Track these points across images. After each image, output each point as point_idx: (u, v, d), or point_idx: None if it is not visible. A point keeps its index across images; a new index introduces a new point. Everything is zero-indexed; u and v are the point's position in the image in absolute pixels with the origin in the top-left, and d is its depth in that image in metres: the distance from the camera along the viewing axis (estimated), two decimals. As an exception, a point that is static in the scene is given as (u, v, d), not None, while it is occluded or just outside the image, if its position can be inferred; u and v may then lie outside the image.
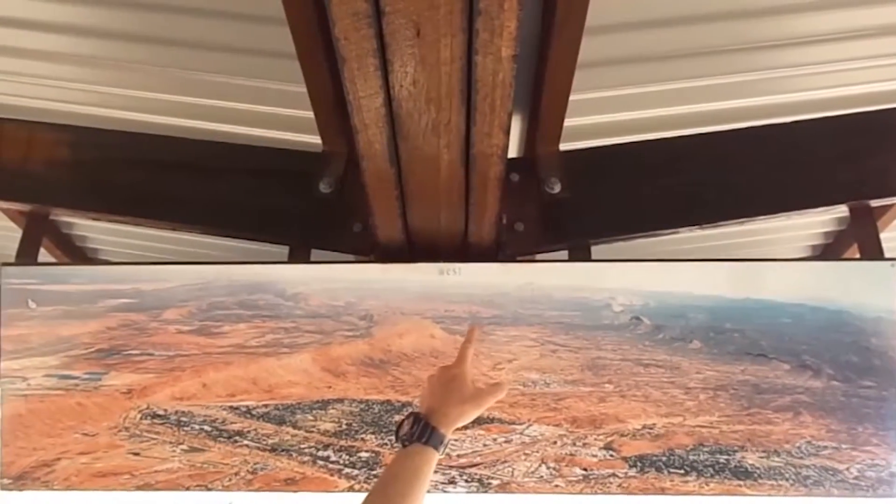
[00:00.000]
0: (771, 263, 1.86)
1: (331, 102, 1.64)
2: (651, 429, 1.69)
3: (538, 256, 1.91)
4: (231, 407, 1.76)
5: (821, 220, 2.28)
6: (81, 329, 1.82)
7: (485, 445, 1.69)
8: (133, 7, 1.59)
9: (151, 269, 1.91)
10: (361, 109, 1.16)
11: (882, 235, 1.86)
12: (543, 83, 1.58)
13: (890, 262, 1.75)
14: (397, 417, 1.70)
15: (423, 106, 1.15)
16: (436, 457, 1.04)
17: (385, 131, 1.22)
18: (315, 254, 1.89)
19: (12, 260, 1.95)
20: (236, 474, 1.71)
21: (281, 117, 1.85)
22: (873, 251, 1.83)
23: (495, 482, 1.66)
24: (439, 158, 1.32)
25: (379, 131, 1.22)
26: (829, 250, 2.39)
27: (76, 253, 2.57)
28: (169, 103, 1.87)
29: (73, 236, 2.54)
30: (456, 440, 1.68)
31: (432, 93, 1.12)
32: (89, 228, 2.50)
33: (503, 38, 1.00)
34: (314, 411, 1.75)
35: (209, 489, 1.71)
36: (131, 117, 1.93)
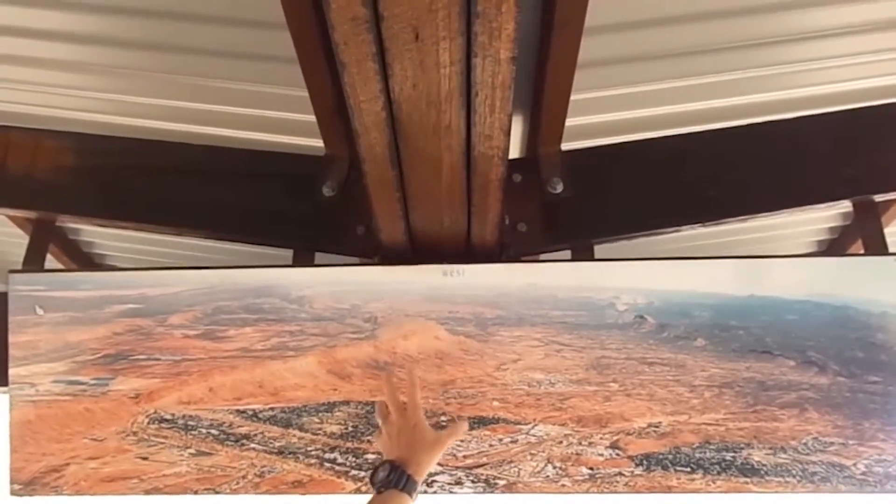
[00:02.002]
0: (775, 260, 1.86)
1: (332, 106, 1.65)
2: (657, 427, 1.68)
3: (541, 256, 1.92)
4: (238, 410, 1.77)
5: (825, 216, 2.27)
6: (89, 335, 1.83)
7: (490, 446, 1.69)
8: (135, 14, 1.60)
9: (157, 275, 1.91)
10: (362, 113, 1.16)
11: (886, 230, 1.85)
12: (544, 83, 1.58)
13: (894, 257, 1.75)
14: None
15: (423, 109, 1.15)
16: (410, 503, 1.15)
17: (386, 134, 1.22)
18: (319, 257, 1.90)
19: (19, 267, 1.97)
20: (244, 477, 1.72)
21: (283, 121, 1.86)
22: (878, 246, 1.83)
23: (501, 482, 1.66)
24: (440, 161, 1.32)
25: (380, 135, 1.23)
26: (833, 246, 2.38)
27: (83, 259, 2.58)
28: (172, 109, 1.88)
29: (80, 242, 2.56)
30: (462, 441, 1.68)
31: (432, 96, 1.12)
32: (96, 235, 2.52)
33: (501, 41, 1.00)
34: (320, 414, 1.75)
35: (217, 493, 1.72)
36: (135, 123, 1.95)
